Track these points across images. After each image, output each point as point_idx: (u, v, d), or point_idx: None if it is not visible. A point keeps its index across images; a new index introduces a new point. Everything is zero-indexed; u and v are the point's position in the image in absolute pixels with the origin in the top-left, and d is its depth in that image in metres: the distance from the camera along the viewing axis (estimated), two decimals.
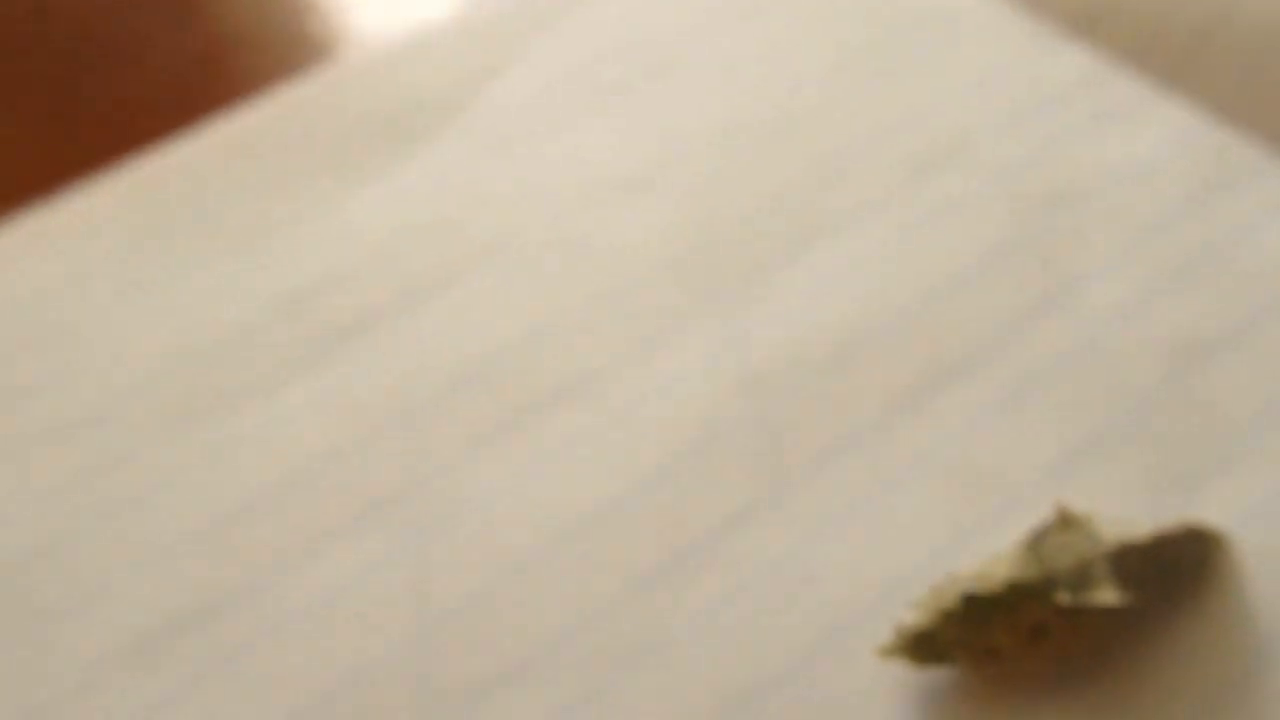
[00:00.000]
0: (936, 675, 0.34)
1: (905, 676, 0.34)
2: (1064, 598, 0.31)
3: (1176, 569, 0.34)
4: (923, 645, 0.32)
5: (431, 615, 0.37)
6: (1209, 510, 0.36)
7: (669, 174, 0.50)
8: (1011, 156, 0.48)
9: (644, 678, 0.35)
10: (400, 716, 0.35)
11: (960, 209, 0.47)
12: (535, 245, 0.48)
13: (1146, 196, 0.46)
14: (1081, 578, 0.32)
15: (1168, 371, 0.40)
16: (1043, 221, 0.45)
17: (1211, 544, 0.34)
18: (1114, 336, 0.41)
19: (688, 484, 0.39)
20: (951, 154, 0.49)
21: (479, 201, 0.50)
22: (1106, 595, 0.32)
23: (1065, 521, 0.33)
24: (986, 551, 0.36)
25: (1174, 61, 0.51)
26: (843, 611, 0.36)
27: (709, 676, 0.35)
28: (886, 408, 0.40)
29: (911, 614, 0.33)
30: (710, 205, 0.49)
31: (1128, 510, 0.37)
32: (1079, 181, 0.47)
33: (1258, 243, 0.43)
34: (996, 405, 0.40)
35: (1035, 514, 0.37)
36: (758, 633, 0.35)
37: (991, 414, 0.40)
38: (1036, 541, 0.33)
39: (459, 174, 0.51)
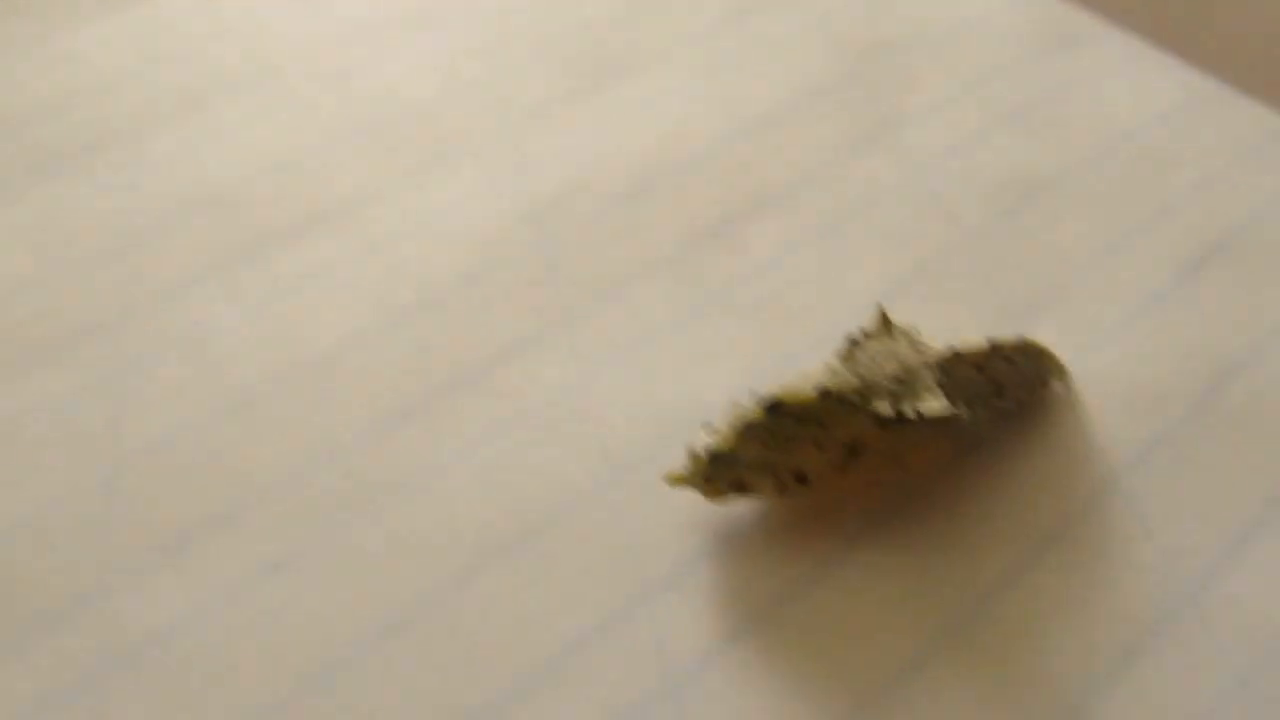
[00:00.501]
0: (736, 508, 0.28)
1: (701, 510, 0.28)
2: (883, 407, 0.26)
3: (1012, 389, 0.29)
4: (719, 470, 0.27)
5: (126, 454, 0.29)
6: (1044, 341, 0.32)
7: (456, 9, 0.44)
8: (834, 2, 0.44)
9: (386, 520, 0.28)
10: (83, 562, 0.27)
11: (778, 49, 0.42)
12: (295, 78, 0.41)
13: (975, 49, 0.42)
14: (904, 387, 0.27)
15: (1000, 209, 0.36)
16: (866, 66, 0.41)
17: (1051, 365, 0.30)
18: (941, 174, 0.37)
19: (453, 318, 0.33)
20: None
21: (227, 34, 0.43)
22: (932, 404, 0.27)
23: (886, 327, 0.28)
24: None
25: None
26: (630, 443, 0.30)
27: (465, 519, 0.28)
28: (688, 240, 0.35)
29: (707, 435, 0.27)
30: (502, 37, 0.43)
31: None
32: (906, 32, 0.43)
33: (1090, 96, 0.40)
34: (812, 239, 0.35)
35: None
36: (525, 471, 0.29)
37: (806, 247, 0.35)
38: (853, 349, 0.28)
39: (207, 6, 0.44)
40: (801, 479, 0.27)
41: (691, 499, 0.28)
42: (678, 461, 0.29)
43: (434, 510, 0.29)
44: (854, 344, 0.28)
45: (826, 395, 0.27)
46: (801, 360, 0.31)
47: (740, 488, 0.27)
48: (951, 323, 0.33)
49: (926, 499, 0.29)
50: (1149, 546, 0.28)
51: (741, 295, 0.33)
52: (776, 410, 0.26)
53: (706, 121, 0.39)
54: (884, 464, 0.28)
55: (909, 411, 0.27)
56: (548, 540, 0.28)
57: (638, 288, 0.34)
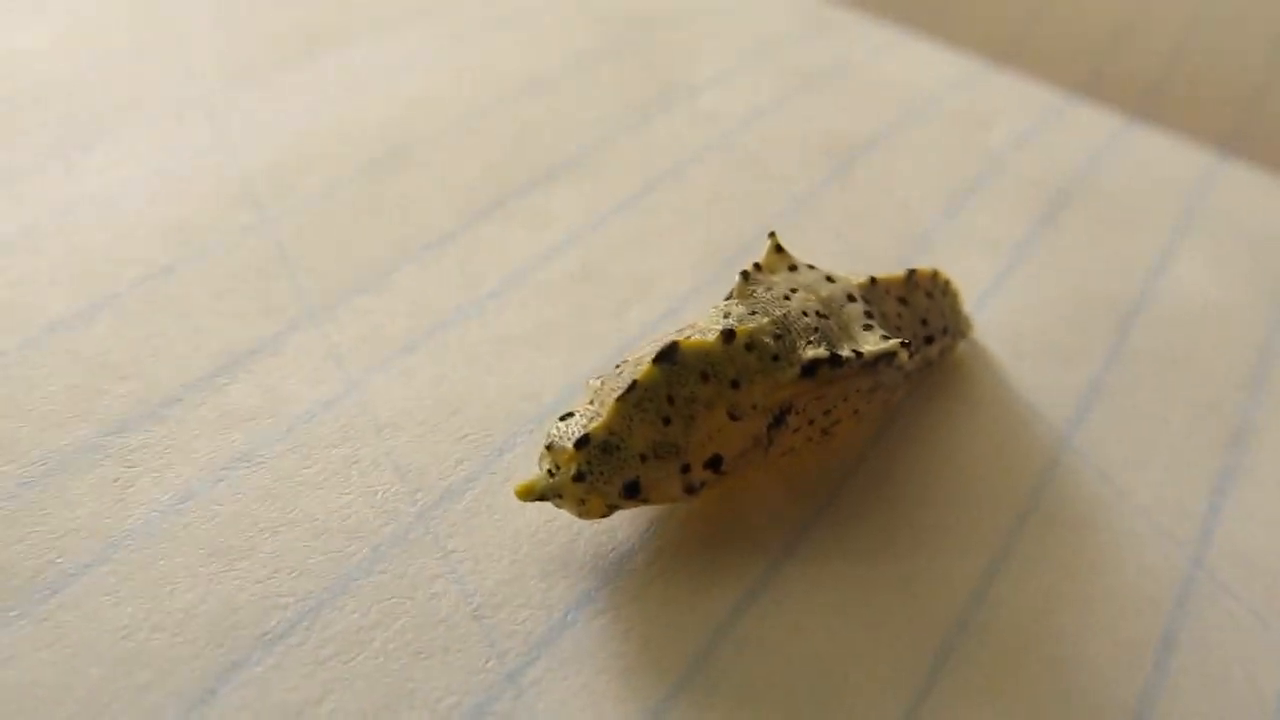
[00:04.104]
0: (620, 526, 0.20)
1: (572, 535, 0.19)
2: (811, 350, 0.19)
3: (937, 332, 0.23)
4: (599, 468, 0.18)
5: None
6: None
7: None
8: None
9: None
10: None
11: (530, 20, 0.35)
12: None
13: (742, 28, 0.37)
14: (830, 324, 0.20)
15: (829, 167, 0.30)
16: (634, 37, 0.35)
17: (961, 309, 0.24)
18: (753, 135, 0.31)
19: (154, 324, 0.22)
20: None
21: None
22: (875, 340, 0.20)
23: (783, 258, 0.21)
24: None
25: None
26: (434, 465, 0.20)
27: (188, 600, 0.18)
28: (468, 213, 0.26)
29: (565, 424, 0.18)
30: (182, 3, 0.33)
31: None
32: (666, 9, 0.37)
33: (874, 69, 0.36)
34: (625, 202, 0.27)
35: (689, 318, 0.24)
36: (284, 524, 0.19)
37: (620, 213, 0.27)
38: (749, 285, 0.20)
39: None
40: (715, 465, 0.19)
41: (538, 518, 0.19)
42: (514, 474, 0.20)
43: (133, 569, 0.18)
44: (747, 278, 0.20)
45: (731, 339, 0.19)
46: (643, 339, 0.23)
47: (632, 492, 0.18)
48: None
49: (864, 484, 0.21)
50: (1127, 510, 0.22)
51: (548, 271, 0.25)
52: (672, 363, 0.18)
53: (460, 88, 0.31)
54: (809, 435, 0.20)
55: (846, 353, 0.19)
56: (340, 616, 0.18)
57: (406, 272, 0.25)
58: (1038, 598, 0.20)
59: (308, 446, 0.20)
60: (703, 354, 0.18)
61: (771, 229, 0.27)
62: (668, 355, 0.18)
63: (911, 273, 0.22)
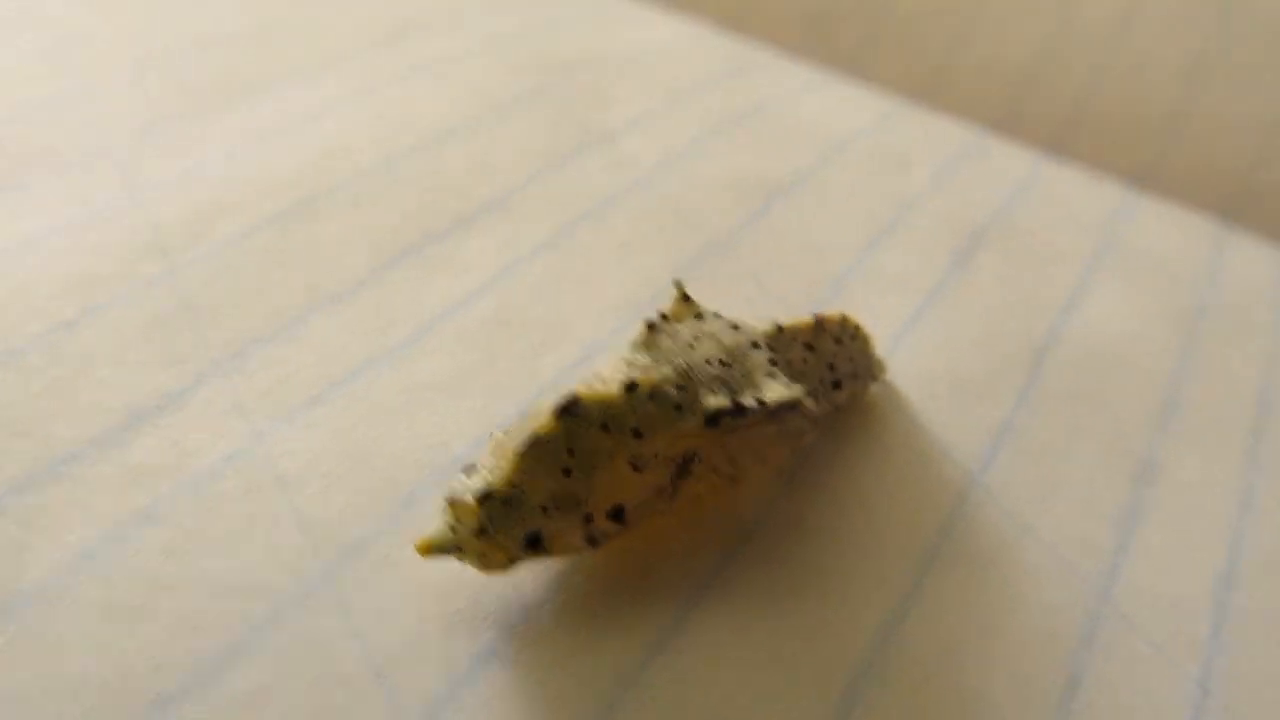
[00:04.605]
0: (523, 581, 0.19)
1: (473, 589, 0.19)
2: (713, 400, 0.19)
3: (845, 377, 0.23)
4: (501, 520, 0.18)
5: None
6: None
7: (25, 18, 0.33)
8: (505, 28, 0.38)
9: None
10: None
11: (444, 68, 0.35)
12: None
13: (659, 73, 0.37)
14: (733, 373, 0.20)
15: (743, 210, 0.30)
16: (550, 84, 0.35)
17: (871, 351, 0.24)
18: (669, 179, 0.31)
19: (51, 382, 0.22)
20: (437, 22, 0.37)
21: None
22: (777, 389, 0.20)
23: (688, 306, 0.21)
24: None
25: None
26: (341, 518, 0.20)
27: (100, 661, 0.17)
28: (380, 261, 0.26)
29: (469, 476, 0.18)
30: (93, 51, 0.33)
31: None
32: (583, 56, 0.37)
33: (790, 112, 0.36)
34: (538, 250, 0.28)
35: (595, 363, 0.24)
36: (180, 590, 0.19)
37: (533, 260, 0.27)
38: (653, 334, 0.20)
39: None
40: (618, 516, 0.19)
41: (453, 575, 0.19)
42: (420, 527, 0.20)
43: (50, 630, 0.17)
44: (652, 328, 0.20)
45: (634, 389, 0.19)
46: (556, 387, 0.23)
47: (533, 544, 0.18)
48: None
49: (771, 529, 0.21)
50: (1033, 546, 0.22)
51: (463, 317, 0.25)
52: (573, 415, 0.18)
53: (376, 136, 0.31)
54: (714, 483, 0.20)
55: (749, 402, 0.19)
56: (238, 676, 0.18)
57: (316, 321, 0.24)
58: (943, 638, 0.20)
59: (210, 502, 0.20)
60: (603, 405, 0.18)
61: (680, 276, 0.27)
62: (569, 409, 0.18)
63: (819, 319, 0.22)
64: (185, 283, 0.25)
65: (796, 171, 0.32)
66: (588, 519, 0.18)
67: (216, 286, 0.25)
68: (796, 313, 0.23)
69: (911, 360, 0.26)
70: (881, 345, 0.26)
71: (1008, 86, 0.41)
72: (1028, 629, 0.20)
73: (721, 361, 0.20)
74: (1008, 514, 0.23)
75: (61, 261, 0.25)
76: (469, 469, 0.19)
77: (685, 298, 0.21)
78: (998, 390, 0.25)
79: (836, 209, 0.31)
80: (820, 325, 0.22)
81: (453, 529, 0.18)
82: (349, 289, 0.25)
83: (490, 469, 0.18)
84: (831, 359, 0.22)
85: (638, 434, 0.19)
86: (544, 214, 0.29)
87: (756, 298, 0.27)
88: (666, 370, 0.19)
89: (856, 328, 0.24)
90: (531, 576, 0.20)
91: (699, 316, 0.21)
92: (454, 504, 0.18)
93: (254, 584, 0.19)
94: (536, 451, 0.18)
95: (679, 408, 0.19)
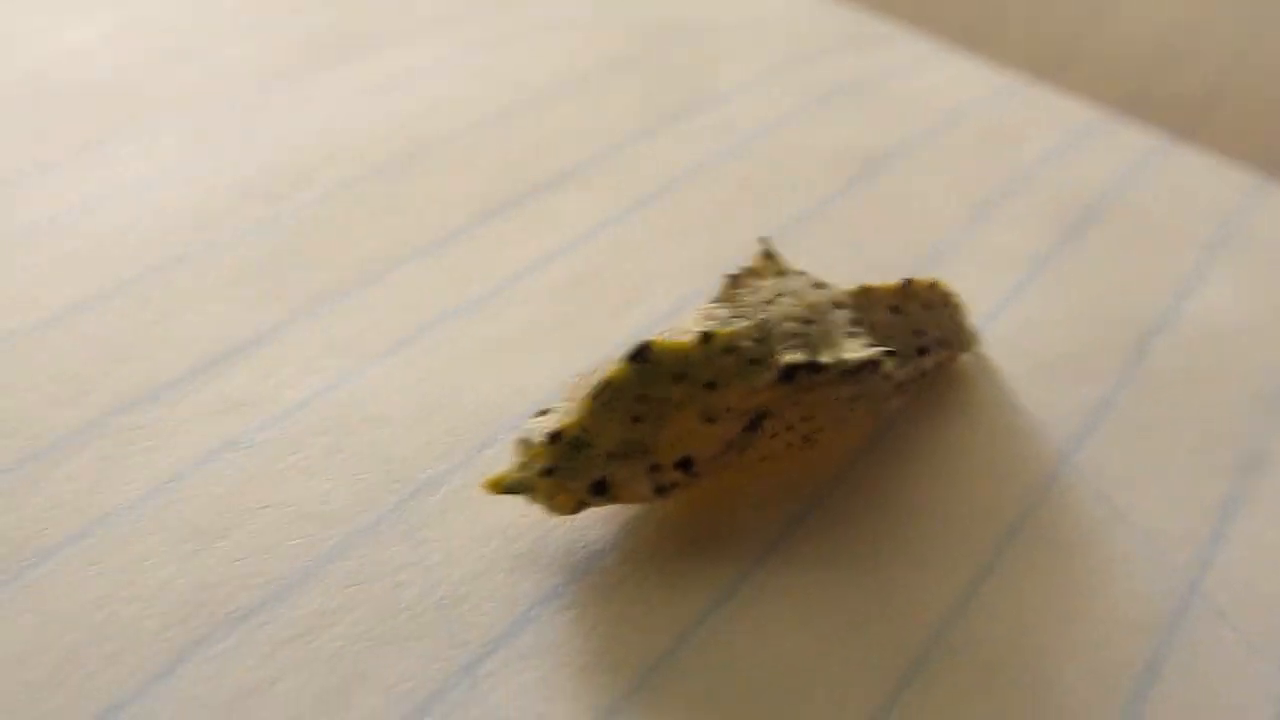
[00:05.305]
0: (591, 524, 0.20)
1: (540, 530, 0.19)
2: (791, 354, 0.19)
3: (933, 343, 0.22)
4: (568, 464, 0.18)
5: None
6: None
7: None
8: None
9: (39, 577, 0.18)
10: None
11: (556, 28, 0.35)
12: None
13: (773, 40, 0.37)
14: (813, 330, 0.20)
15: (847, 178, 0.30)
16: (659, 47, 0.35)
17: (964, 321, 0.24)
18: (773, 146, 0.31)
19: (153, 311, 0.23)
20: None
21: None
22: (856, 348, 0.19)
23: (773, 263, 0.21)
24: None
25: None
26: (419, 456, 0.21)
27: (174, 577, 0.18)
28: (477, 214, 0.27)
29: (542, 420, 0.19)
30: (217, 7, 0.34)
31: None
32: (696, 19, 0.37)
33: (905, 83, 0.35)
34: (633, 209, 0.28)
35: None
36: (269, 509, 0.19)
37: (627, 218, 0.27)
38: (734, 288, 0.20)
39: None
40: (686, 466, 0.19)
41: (510, 513, 0.19)
42: (493, 469, 0.20)
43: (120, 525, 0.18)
44: (734, 281, 0.20)
45: (709, 340, 0.19)
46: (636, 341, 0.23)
47: (600, 490, 0.18)
48: None
49: (842, 492, 0.21)
50: (1124, 531, 0.21)
51: (550, 274, 0.25)
52: (645, 361, 0.18)
53: (479, 95, 0.31)
54: (788, 441, 0.20)
55: (828, 359, 0.19)
56: (307, 599, 0.18)
57: (409, 270, 0.25)
58: (1018, 616, 0.19)
59: (296, 434, 0.21)
60: (677, 354, 0.18)
61: (773, 240, 0.27)
62: (640, 354, 0.18)
63: (907, 282, 0.22)
64: (289, 226, 0.26)
65: (903, 142, 0.32)
66: (655, 468, 0.18)
67: (317, 232, 0.26)
68: (891, 280, 0.23)
69: (1009, 334, 0.25)
70: (978, 317, 0.25)
71: (1138, 67, 0.39)
72: (1109, 616, 0.20)
73: (802, 319, 0.20)
74: (1099, 496, 0.22)
75: (176, 201, 0.26)
76: (543, 411, 0.19)
77: (769, 255, 0.21)
78: (1098, 369, 0.25)
79: (942, 181, 0.30)
80: (908, 289, 0.22)
81: (522, 468, 0.18)
82: (440, 241, 0.26)
83: (563, 412, 0.18)
84: (919, 324, 0.22)
85: (711, 386, 0.18)
86: (639, 176, 0.29)
87: (851, 264, 0.27)
88: (744, 323, 0.19)
89: (948, 295, 0.23)
90: (599, 523, 0.20)
91: (782, 274, 0.21)
92: (524, 444, 0.18)
93: (330, 513, 0.19)
94: (607, 396, 0.18)
95: (754, 361, 0.19)
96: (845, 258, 0.27)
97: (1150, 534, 0.21)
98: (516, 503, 0.19)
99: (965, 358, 0.24)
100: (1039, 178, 0.31)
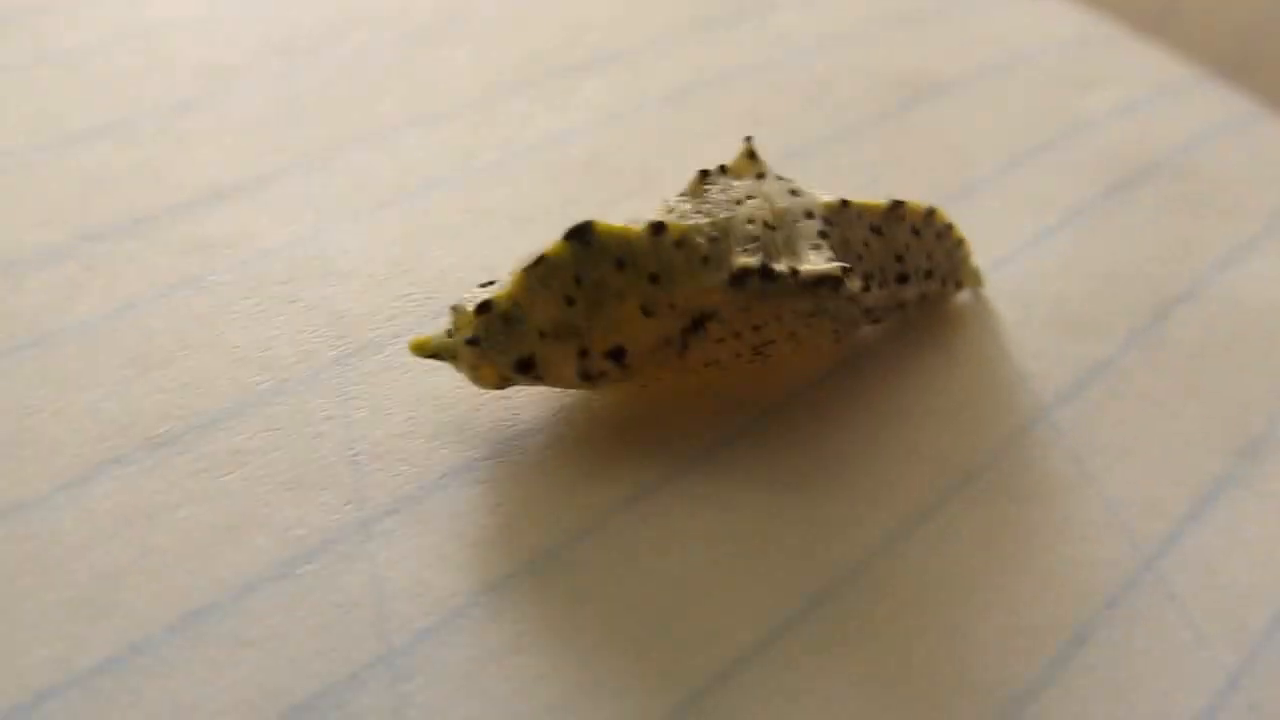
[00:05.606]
0: (513, 399, 0.19)
1: (461, 400, 0.19)
2: (744, 259, 0.18)
3: (919, 274, 0.21)
4: (495, 336, 0.18)
5: None
6: None
7: None
8: None
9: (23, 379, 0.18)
10: None
11: None
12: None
13: None
14: (776, 237, 0.19)
15: (890, 103, 0.28)
16: None
17: (964, 258, 0.22)
18: (820, 61, 0.29)
19: (160, 148, 0.23)
20: None
21: None
22: (814, 260, 0.18)
23: (752, 163, 0.20)
24: None
25: None
26: (371, 315, 0.21)
27: (134, 401, 0.18)
28: (489, 88, 0.26)
29: (481, 290, 0.18)
30: None
31: None
32: None
33: (984, 16, 0.33)
34: (651, 104, 0.27)
35: None
36: (219, 343, 0.20)
37: (644, 112, 0.26)
38: (703, 184, 0.19)
39: None
40: (617, 357, 0.18)
41: (447, 382, 0.19)
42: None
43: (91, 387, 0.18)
44: (704, 176, 0.19)
45: (660, 231, 0.18)
46: None
47: (525, 367, 0.18)
48: None
49: (793, 412, 0.20)
50: (1090, 495, 0.20)
51: (553, 154, 0.25)
52: (585, 242, 0.18)
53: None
54: (736, 350, 0.19)
55: (781, 268, 0.18)
56: (225, 436, 0.18)
57: (410, 135, 0.25)
58: (948, 564, 0.18)
59: (255, 281, 0.21)
60: (621, 240, 0.18)
61: (796, 155, 0.26)
62: (579, 233, 0.18)
63: (894, 204, 0.21)
64: (302, 82, 0.25)
65: (961, 76, 0.30)
66: (584, 353, 0.18)
67: (330, 90, 0.25)
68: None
69: (1020, 280, 0.24)
70: (990, 258, 0.24)
71: (1243, 28, 0.37)
72: (1049, 577, 0.19)
73: (766, 224, 0.19)
74: (1072, 456, 0.21)
75: (197, 47, 0.26)
76: (489, 283, 0.18)
77: (751, 155, 0.20)
78: (1105, 328, 0.23)
79: (992, 118, 0.29)
80: (896, 211, 0.21)
81: (449, 335, 0.18)
82: (453, 110, 0.25)
83: (501, 284, 0.18)
84: (902, 250, 0.21)
85: (655, 279, 0.18)
86: (671, 71, 0.28)
87: (872, 189, 0.25)
88: (702, 220, 0.18)
89: (949, 226, 0.22)
90: (532, 404, 0.19)
91: (760, 176, 0.20)
92: (457, 311, 0.18)
93: (268, 358, 0.19)
94: (540, 273, 0.18)
95: (705, 260, 0.18)
96: (867, 182, 0.26)
97: (1117, 503, 0.20)
98: (452, 372, 0.19)
99: (962, 296, 0.23)
100: (1100, 128, 0.29)
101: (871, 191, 0.25)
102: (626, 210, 0.23)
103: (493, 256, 0.22)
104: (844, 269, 0.18)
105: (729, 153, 0.25)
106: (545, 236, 0.22)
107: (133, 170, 0.23)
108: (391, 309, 0.21)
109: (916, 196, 0.25)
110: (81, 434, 0.18)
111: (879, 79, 0.29)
